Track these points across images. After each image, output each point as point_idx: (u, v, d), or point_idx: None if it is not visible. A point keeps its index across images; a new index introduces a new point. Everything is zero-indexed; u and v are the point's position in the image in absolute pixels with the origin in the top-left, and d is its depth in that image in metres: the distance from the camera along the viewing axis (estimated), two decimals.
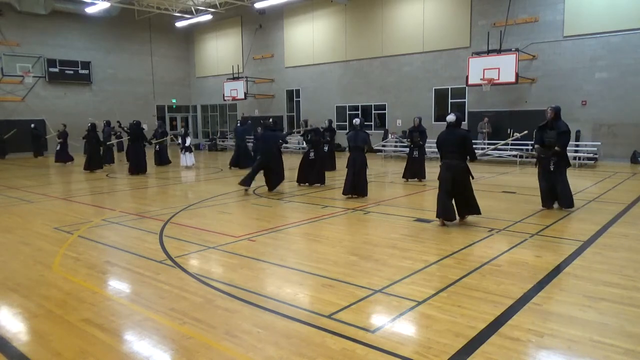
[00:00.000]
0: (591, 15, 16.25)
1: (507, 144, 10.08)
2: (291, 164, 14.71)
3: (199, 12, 25.59)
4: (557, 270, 4.98)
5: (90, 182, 13.47)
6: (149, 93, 29.62)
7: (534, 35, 17.48)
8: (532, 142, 8.38)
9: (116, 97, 27.72)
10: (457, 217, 7.18)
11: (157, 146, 17.52)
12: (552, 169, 7.93)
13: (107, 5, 23.41)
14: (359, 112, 22.75)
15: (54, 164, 19.07)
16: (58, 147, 18.75)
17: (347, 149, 10.30)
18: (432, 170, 7.96)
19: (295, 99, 25.82)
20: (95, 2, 22.46)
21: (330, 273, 5.01)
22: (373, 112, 22.60)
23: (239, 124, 18.22)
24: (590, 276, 4.79)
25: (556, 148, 7.82)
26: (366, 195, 9.73)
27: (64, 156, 18.74)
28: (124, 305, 4.29)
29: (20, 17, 24.00)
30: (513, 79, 16.16)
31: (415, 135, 12.04)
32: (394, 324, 3.76)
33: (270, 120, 14.56)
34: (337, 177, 13.01)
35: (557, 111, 7.90)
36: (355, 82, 23.03)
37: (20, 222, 8.02)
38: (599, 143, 16.13)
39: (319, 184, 11.56)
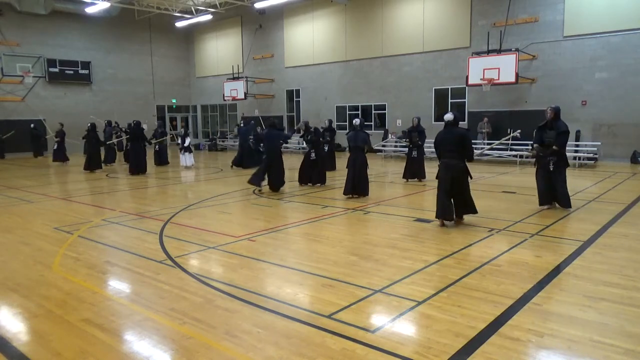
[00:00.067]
0: (591, 15, 16.25)
1: (501, 144, 10.12)
2: (291, 164, 14.71)
3: (199, 12, 25.59)
4: (557, 270, 4.98)
5: (90, 182, 13.47)
6: (149, 93, 29.63)
7: (534, 35, 17.48)
8: (532, 142, 8.39)
9: (116, 97, 27.73)
10: (456, 217, 7.16)
11: (157, 146, 17.52)
12: (551, 169, 7.95)
13: (107, 5, 23.42)
14: (359, 112, 22.75)
15: (53, 163, 19.09)
16: (55, 147, 18.75)
17: (347, 149, 10.31)
18: (432, 170, 7.96)
19: (295, 99, 25.82)
20: (95, 2, 22.46)
21: (330, 273, 5.01)
22: (373, 112, 22.60)
23: (242, 124, 18.25)
24: (590, 276, 4.79)
25: (554, 147, 7.84)
26: (367, 195, 9.74)
27: (61, 155, 18.75)
28: (124, 305, 4.29)
29: (20, 17, 24.00)
30: (513, 79, 16.16)
31: (414, 135, 12.05)
32: (394, 324, 3.76)
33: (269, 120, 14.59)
34: (337, 177, 13.01)
35: (556, 111, 7.94)
36: (355, 82, 23.03)
37: (20, 222, 8.02)
38: (599, 143, 16.13)
39: (319, 184, 11.57)
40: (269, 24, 26.22)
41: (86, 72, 26.69)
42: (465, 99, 19.46)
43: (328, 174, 12.36)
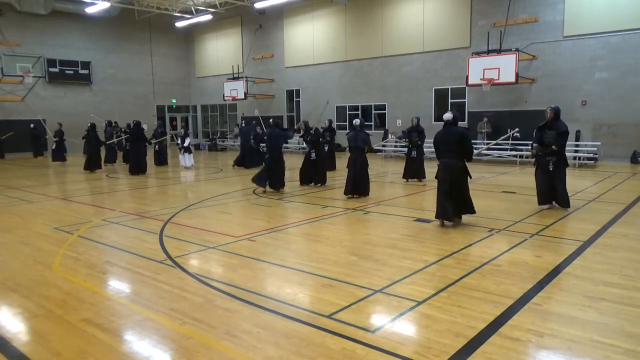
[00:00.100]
0: (591, 15, 16.25)
1: (499, 144, 10.16)
2: (291, 164, 14.72)
3: (199, 12, 25.59)
4: (557, 270, 4.98)
5: (90, 182, 13.47)
6: (149, 93, 29.63)
7: (534, 35, 17.49)
8: (531, 142, 8.42)
9: (116, 97, 27.73)
10: (455, 218, 7.13)
11: (157, 146, 17.52)
12: (551, 169, 7.98)
13: (107, 5, 23.42)
14: (359, 112, 22.76)
15: (53, 163, 19.09)
16: (54, 146, 18.73)
17: (348, 149, 10.31)
18: (432, 170, 7.97)
19: (295, 99, 25.82)
20: (95, 2, 22.46)
21: (330, 273, 5.01)
22: (373, 112, 22.60)
23: (243, 124, 18.26)
24: (590, 276, 4.79)
25: (553, 147, 7.87)
26: (368, 195, 9.75)
27: (60, 155, 18.73)
28: (124, 305, 4.29)
29: (20, 17, 24.00)
30: (513, 79, 16.16)
31: (414, 135, 12.05)
32: (394, 324, 3.76)
33: (271, 120, 14.57)
34: (337, 177, 13.01)
35: (556, 111, 7.97)
36: (355, 82, 23.03)
37: (20, 222, 8.02)
38: (599, 143, 16.13)
39: (319, 184, 11.57)
40: (269, 24, 26.22)
41: (86, 72, 26.69)
42: (465, 99, 19.46)
43: (328, 174, 12.36)
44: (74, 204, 9.86)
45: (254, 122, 17.12)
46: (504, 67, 16.22)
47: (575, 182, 11.70)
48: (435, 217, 7.15)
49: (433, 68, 20.31)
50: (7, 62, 23.74)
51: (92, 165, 15.98)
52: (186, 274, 5.09)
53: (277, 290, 4.58)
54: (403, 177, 12.23)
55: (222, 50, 29.32)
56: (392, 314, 3.94)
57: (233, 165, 16.59)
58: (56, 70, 25.51)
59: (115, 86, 27.88)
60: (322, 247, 6.09)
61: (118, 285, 4.92)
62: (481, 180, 12.43)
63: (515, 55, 16.12)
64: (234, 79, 25.97)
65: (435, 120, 19.84)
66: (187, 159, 16.79)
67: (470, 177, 7.20)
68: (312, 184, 11.60)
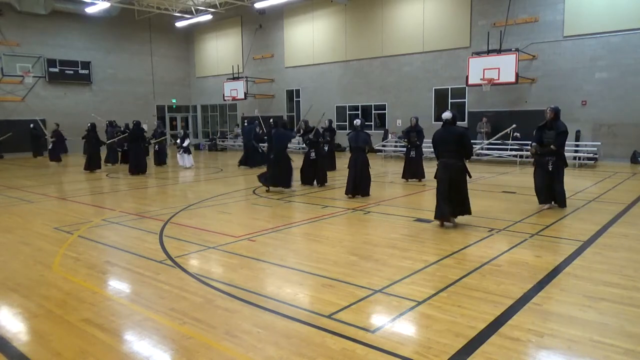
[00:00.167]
0: (591, 15, 16.25)
1: (495, 141, 10.23)
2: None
3: (199, 12, 25.59)
4: (557, 270, 4.98)
5: (90, 182, 13.47)
6: (149, 93, 29.62)
7: (534, 35, 17.48)
8: (530, 142, 8.46)
9: (116, 97, 27.72)
10: (451, 218, 7.10)
11: (157, 146, 17.51)
12: (550, 169, 8.03)
13: (107, 5, 23.41)
14: (359, 112, 22.76)
15: (52, 163, 19.06)
16: (50, 146, 18.65)
17: (348, 149, 10.32)
18: (431, 170, 7.97)
19: (295, 99, 25.82)
20: (95, 2, 22.46)
21: (330, 273, 5.01)
22: (373, 112, 22.60)
23: (245, 123, 18.27)
24: (590, 276, 4.79)
25: (552, 147, 7.91)
26: (369, 195, 9.76)
27: (56, 155, 18.66)
28: (124, 305, 4.29)
29: (20, 17, 23.99)
30: (513, 79, 16.16)
31: (413, 135, 12.04)
32: (394, 324, 3.76)
33: (271, 120, 14.56)
34: (337, 177, 13.01)
35: (556, 112, 8.02)
36: (355, 82, 23.03)
37: (20, 222, 8.02)
38: (599, 143, 16.13)
39: (320, 184, 11.56)
40: (269, 24, 26.22)
41: (86, 72, 26.69)
42: (465, 99, 19.46)
43: (328, 174, 12.36)
44: (74, 204, 9.86)
45: (256, 121, 17.13)
46: (504, 67, 16.21)
47: (575, 182, 11.71)
48: (434, 218, 7.14)
49: (433, 68, 20.31)
50: (7, 62, 23.73)
51: (92, 165, 15.98)
52: (186, 274, 5.09)
53: (277, 290, 4.59)
54: (402, 177, 12.24)
55: (222, 50, 29.32)
56: (392, 314, 3.94)
57: (238, 165, 16.61)
58: (56, 70, 25.51)
59: (115, 86, 27.87)
60: (322, 247, 6.09)
61: (118, 285, 4.92)
62: (481, 180, 12.44)
63: (515, 55, 16.12)
64: (234, 79, 25.96)
65: (435, 120, 19.82)
66: (186, 160, 16.77)
67: (470, 177, 7.17)
68: (315, 183, 11.59)
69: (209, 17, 25.29)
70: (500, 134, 10.29)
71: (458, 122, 7.49)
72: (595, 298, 4.20)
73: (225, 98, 26.49)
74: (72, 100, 26.31)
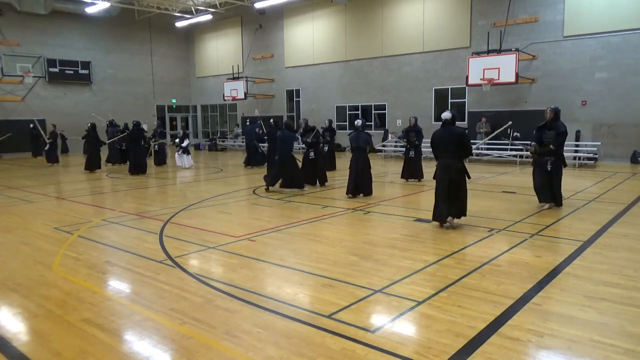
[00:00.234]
0: (591, 15, 16.25)
1: (494, 138, 10.26)
2: None
3: (199, 12, 25.59)
4: (557, 270, 4.98)
5: (90, 182, 13.47)
6: (149, 93, 29.63)
7: (534, 35, 17.48)
8: (530, 141, 8.50)
9: (116, 97, 27.72)
10: (452, 220, 7.06)
11: (156, 146, 17.50)
12: (549, 169, 8.10)
13: (107, 5, 23.41)
14: (359, 112, 22.76)
15: (50, 164, 18.93)
16: (47, 147, 18.50)
17: (350, 149, 10.32)
18: (430, 170, 7.97)
19: (295, 99, 25.83)
20: (95, 2, 22.46)
21: (330, 273, 5.01)
22: (373, 112, 22.60)
23: (248, 123, 18.26)
24: (590, 276, 4.79)
25: (551, 146, 7.98)
26: (371, 194, 9.78)
27: (53, 156, 18.52)
28: (124, 305, 4.29)
29: (20, 17, 23.99)
30: (513, 79, 16.16)
31: (412, 135, 12.04)
32: (394, 324, 3.76)
33: (271, 120, 14.54)
34: (337, 177, 13.01)
35: (556, 112, 8.08)
36: (355, 82, 23.03)
37: (20, 222, 8.02)
38: (599, 143, 16.14)
39: (320, 185, 11.56)
40: (269, 24, 26.21)
41: (86, 72, 26.69)
42: (465, 99, 19.46)
43: (328, 174, 12.37)
44: (74, 204, 9.86)
45: (258, 121, 17.14)
46: (504, 67, 16.22)
47: (575, 182, 11.72)
48: (433, 219, 7.12)
49: (433, 68, 20.30)
50: (7, 62, 23.74)
51: (92, 165, 15.97)
52: (186, 274, 5.09)
53: (277, 290, 4.58)
54: (401, 177, 12.25)
55: (222, 50, 29.32)
56: (392, 314, 3.94)
57: (244, 166, 16.61)
58: (56, 70, 25.51)
59: (115, 86, 27.88)
60: (322, 247, 6.09)
61: (118, 285, 4.92)
62: (481, 180, 12.44)
63: (515, 55, 16.12)
64: (234, 79, 25.97)
65: (435, 120, 19.83)
66: (185, 160, 16.75)
67: (469, 178, 7.13)
68: (318, 184, 11.58)
69: (209, 17, 25.29)
70: (496, 132, 10.29)
71: (458, 122, 7.47)
72: (595, 298, 4.20)
73: (225, 98, 26.50)
74: (72, 100, 26.31)
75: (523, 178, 12.72)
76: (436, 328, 3.65)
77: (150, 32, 29.15)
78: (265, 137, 14.59)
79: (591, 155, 15.85)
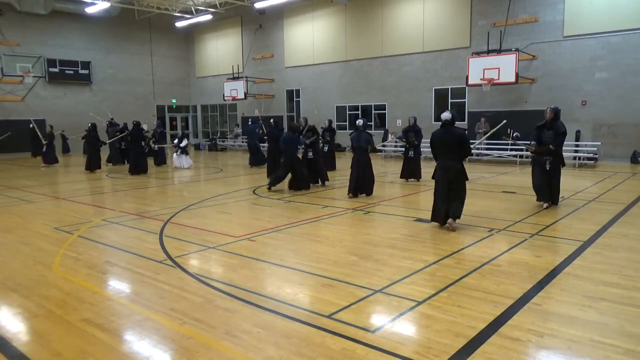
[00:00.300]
0: (591, 15, 16.25)
1: (493, 134, 10.30)
2: None
3: (199, 12, 25.59)
4: (557, 270, 4.98)
5: (90, 182, 13.47)
6: (149, 93, 29.62)
7: (534, 35, 17.48)
8: (530, 141, 8.55)
9: (116, 97, 27.70)
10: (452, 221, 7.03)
11: (156, 146, 17.49)
12: (548, 169, 8.16)
13: (107, 5, 23.41)
14: (359, 112, 22.76)
15: (49, 165, 18.86)
16: (44, 149, 18.40)
17: (351, 149, 10.33)
18: (429, 170, 7.96)
19: (295, 99, 25.83)
20: (95, 2, 22.46)
21: (330, 273, 5.01)
22: (373, 112, 22.59)
23: (250, 122, 18.26)
24: (590, 276, 4.79)
25: (550, 146, 8.03)
26: (372, 194, 9.79)
27: (50, 158, 18.40)
28: (124, 305, 4.29)
29: (20, 17, 23.99)
30: (513, 79, 16.16)
31: (411, 135, 12.04)
32: (394, 324, 3.76)
33: (272, 120, 14.52)
34: (337, 177, 13.01)
35: (556, 112, 8.14)
36: (355, 82, 23.03)
37: (20, 222, 8.02)
38: (599, 143, 16.14)
39: (319, 184, 11.56)
40: (269, 24, 26.21)
41: (86, 72, 26.69)
42: (465, 99, 19.46)
43: (328, 174, 12.36)
44: (74, 204, 9.86)
45: (260, 121, 17.14)
46: (504, 67, 16.21)
47: (575, 182, 11.72)
48: (431, 220, 7.11)
49: (433, 68, 20.30)
50: (7, 62, 23.73)
51: (92, 165, 15.97)
52: (186, 274, 5.09)
53: (277, 290, 4.58)
54: (401, 177, 12.26)
55: (222, 50, 29.32)
56: (392, 314, 3.94)
57: (250, 166, 16.61)
58: (56, 70, 25.50)
59: (115, 86, 27.87)
60: (322, 247, 6.09)
61: (118, 285, 4.92)
62: (481, 180, 12.44)
63: (515, 55, 16.12)
64: (234, 79, 25.97)
65: (435, 120, 19.82)
66: (183, 161, 16.73)
67: (467, 179, 7.09)
68: (319, 183, 11.57)
69: (209, 17, 25.29)
70: (491, 131, 10.28)
71: (458, 123, 7.47)
72: (595, 298, 4.20)
73: (225, 98, 26.49)
74: (72, 100, 26.30)
75: (523, 178, 12.71)
76: (436, 328, 3.65)
77: (150, 32, 29.14)
78: (265, 137, 14.59)
79: (591, 155, 15.85)
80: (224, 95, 26.54)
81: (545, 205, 8.25)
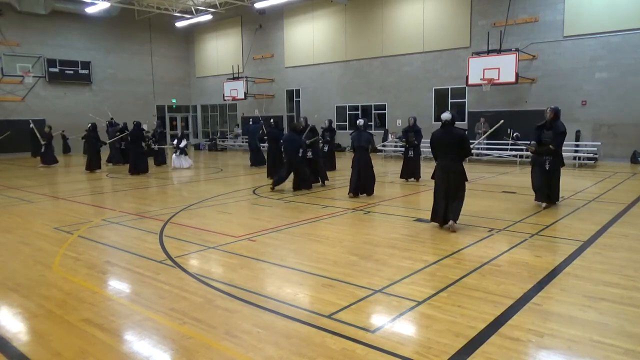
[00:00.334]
0: (591, 15, 16.25)
1: (492, 134, 10.29)
2: None
3: (199, 12, 25.58)
4: (557, 270, 4.98)
5: (90, 182, 13.47)
6: (149, 93, 29.62)
7: (534, 35, 17.48)
8: (530, 141, 8.56)
9: (116, 97, 27.70)
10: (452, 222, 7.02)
11: (156, 146, 17.48)
12: (547, 168, 8.19)
13: (107, 5, 23.41)
14: (359, 112, 22.76)
15: (49, 165, 18.83)
16: (43, 150, 18.34)
17: (352, 149, 10.33)
18: (429, 170, 7.95)
19: (295, 99, 25.83)
20: (95, 2, 22.46)
21: (330, 273, 5.01)
22: (373, 112, 22.59)
23: (251, 122, 18.26)
24: (590, 276, 4.79)
25: (550, 146, 8.06)
26: (373, 194, 9.78)
27: (49, 158, 18.35)
28: (124, 305, 4.29)
29: (20, 17, 23.99)
30: (513, 79, 16.16)
31: (411, 135, 12.05)
32: (394, 324, 3.76)
33: (272, 120, 14.52)
34: (337, 177, 13.01)
35: (556, 112, 8.16)
36: (355, 82, 23.03)
37: (20, 222, 8.02)
38: (599, 143, 16.13)
39: (318, 183, 11.56)
40: (269, 24, 26.21)
41: (86, 72, 26.68)
42: (465, 99, 19.46)
43: (328, 174, 12.36)
44: (74, 204, 9.86)
45: (261, 121, 17.15)
46: (504, 67, 16.21)
47: (575, 182, 11.72)
48: (431, 220, 7.11)
49: (433, 68, 20.30)
50: (7, 62, 23.72)
51: (92, 165, 15.97)
52: (186, 274, 5.09)
53: (277, 290, 4.59)
54: (400, 177, 12.27)
55: (222, 50, 29.32)
56: (392, 314, 3.94)
57: (251, 166, 16.62)
58: (56, 70, 25.50)
59: (115, 86, 27.87)
60: (322, 247, 6.09)
61: (118, 285, 4.92)
62: (481, 180, 12.44)
63: (515, 55, 16.12)
64: (234, 79, 25.97)
65: (435, 120, 19.82)
66: (183, 161, 16.72)
67: (467, 180, 7.08)
68: (320, 183, 11.57)
69: (209, 17, 25.29)
70: (489, 130, 10.29)
71: (457, 123, 7.46)
72: (595, 298, 4.20)
73: (225, 98, 26.49)
74: (72, 100, 26.30)
75: (523, 178, 12.71)
76: (436, 328, 3.65)
77: (150, 32, 29.14)
78: (266, 137, 14.59)
79: (591, 155, 15.85)
80: (224, 95, 26.54)
81: (543, 205, 8.26)
